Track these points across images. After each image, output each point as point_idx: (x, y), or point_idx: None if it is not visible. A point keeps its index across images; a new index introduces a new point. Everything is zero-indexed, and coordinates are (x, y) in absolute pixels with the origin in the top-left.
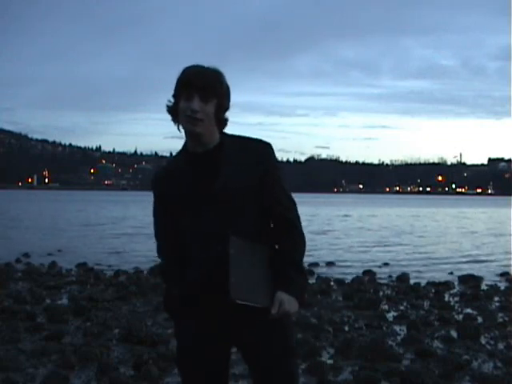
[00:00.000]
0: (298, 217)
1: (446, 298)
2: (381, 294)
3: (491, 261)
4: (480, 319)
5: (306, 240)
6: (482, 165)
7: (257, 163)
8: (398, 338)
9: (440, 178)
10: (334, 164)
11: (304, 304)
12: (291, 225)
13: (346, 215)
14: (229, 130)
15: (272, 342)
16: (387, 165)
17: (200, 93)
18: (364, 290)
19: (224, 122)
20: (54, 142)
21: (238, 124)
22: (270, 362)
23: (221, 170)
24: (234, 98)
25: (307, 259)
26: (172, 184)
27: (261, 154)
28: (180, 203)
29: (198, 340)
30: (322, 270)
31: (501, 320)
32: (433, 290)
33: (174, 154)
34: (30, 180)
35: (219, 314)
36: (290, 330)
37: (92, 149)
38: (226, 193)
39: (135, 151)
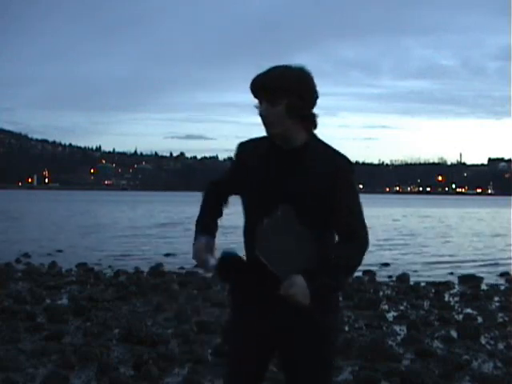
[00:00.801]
0: (362, 232)
1: (446, 298)
2: (381, 293)
3: (491, 261)
4: (480, 319)
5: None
6: (482, 165)
7: (331, 173)
8: (398, 337)
9: (440, 178)
10: None
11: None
12: (353, 238)
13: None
14: (229, 129)
15: (296, 347)
16: (387, 165)
17: (265, 96)
18: (364, 289)
19: (309, 120)
20: (54, 142)
21: (239, 124)
22: (294, 367)
23: (298, 171)
24: (234, 98)
25: None
26: (257, 172)
27: (337, 166)
28: (256, 195)
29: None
30: None
31: (501, 320)
32: (433, 290)
33: (174, 154)
34: (30, 180)
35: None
36: (323, 336)
37: (92, 149)
38: (296, 192)
39: (135, 151)
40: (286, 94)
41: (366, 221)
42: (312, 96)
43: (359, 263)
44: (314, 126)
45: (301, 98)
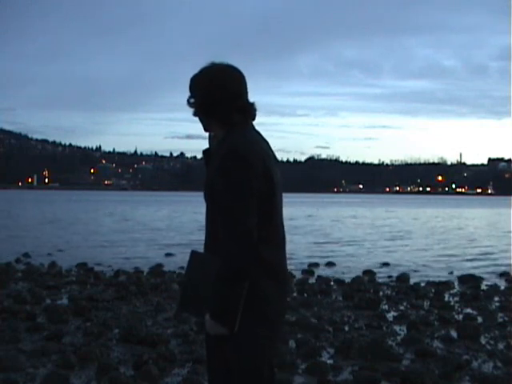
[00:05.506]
0: (229, 230)
1: (446, 298)
2: (381, 293)
3: (491, 261)
4: (480, 319)
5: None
6: (482, 165)
7: (217, 167)
8: (398, 338)
9: (440, 178)
10: (334, 164)
11: (226, 323)
12: (223, 236)
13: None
14: None
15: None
16: (387, 165)
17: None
18: (364, 289)
19: (220, 116)
20: (54, 142)
21: None
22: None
23: (207, 171)
24: None
25: (311, 260)
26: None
27: (221, 155)
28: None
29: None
30: (322, 270)
31: (501, 320)
32: (433, 290)
33: (174, 154)
34: (30, 180)
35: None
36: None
37: (92, 149)
38: (204, 192)
39: (135, 151)
40: (195, 100)
41: (245, 221)
42: (204, 92)
43: (229, 271)
44: (224, 122)
45: (202, 94)
